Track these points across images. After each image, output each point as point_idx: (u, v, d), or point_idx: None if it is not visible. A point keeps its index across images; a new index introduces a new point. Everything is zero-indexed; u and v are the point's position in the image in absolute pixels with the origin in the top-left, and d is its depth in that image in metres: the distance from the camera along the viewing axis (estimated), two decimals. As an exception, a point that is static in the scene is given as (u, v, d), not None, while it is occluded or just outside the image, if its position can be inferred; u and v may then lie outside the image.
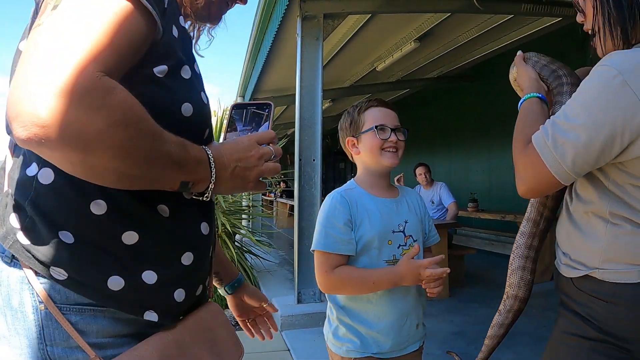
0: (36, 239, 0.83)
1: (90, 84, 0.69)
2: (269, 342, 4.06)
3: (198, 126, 0.96)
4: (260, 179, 0.99)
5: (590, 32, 1.27)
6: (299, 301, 4.65)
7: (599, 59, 1.17)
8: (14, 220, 0.85)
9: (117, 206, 0.86)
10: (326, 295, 1.70)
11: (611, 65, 1.09)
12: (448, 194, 6.18)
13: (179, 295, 0.95)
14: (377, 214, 1.61)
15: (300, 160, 4.70)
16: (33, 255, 0.83)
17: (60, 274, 0.83)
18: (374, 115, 1.66)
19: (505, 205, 8.11)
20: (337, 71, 8.23)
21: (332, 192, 1.68)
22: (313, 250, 1.61)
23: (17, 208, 0.86)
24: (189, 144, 0.85)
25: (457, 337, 4.03)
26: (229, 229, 5.61)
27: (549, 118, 1.20)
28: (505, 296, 1.51)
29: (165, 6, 0.88)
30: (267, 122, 1.03)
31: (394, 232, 1.62)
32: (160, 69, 0.87)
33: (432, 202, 6.25)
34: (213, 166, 0.89)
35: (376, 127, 1.63)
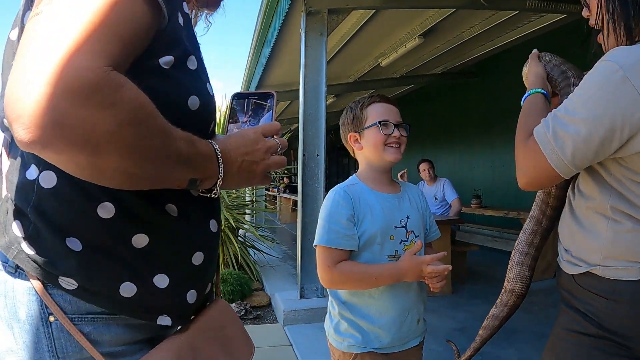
0: (42, 248, 0.79)
1: (98, 80, 0.63)
2: (271, 337, 4.07)
3: (204, 120, 0.91)
4: (266, 172, 0.95)
5: (595, 27, 1.27)
6: (301, 296, 4.66)
7: (603, 55, 1.18)
8: (16, 228, 0.80)
9: (125, 208, 0.81)
10: (328, 290, 1.71)
11: (612, 60, 1.09)
12: (451, 190, 6.17)
13: (191, 296, 0.92)
14: (379, 210, 1.62)
15: (303, 155, 4.70)
16: (39, 266, 0.79)
17: (69, 283, 0.79)
18: (377, 111, 1.67)
19: (508, 202, 8.10)
20: (341, 66, 8.21)
21: (335, 187, 1.69)
22: (315, 246, 1.62)
23: (19, 214, 0.81)
24: (196, 139, 0.80)
25: (459, 333, 4.03)
26: (233, 224, 5.63)
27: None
28: (503, 290, 1.54)
29: None
30: (271, 113, 0.99)
31: (396, 227, 1.63)
32: (165, 60, 0.82)
33: (436, 198, 6.25)
34: (221, 162, 0.85)
35: (379, 122, 1.63)
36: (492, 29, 6.43)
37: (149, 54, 0.78)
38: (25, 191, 0.81)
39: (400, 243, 1.63)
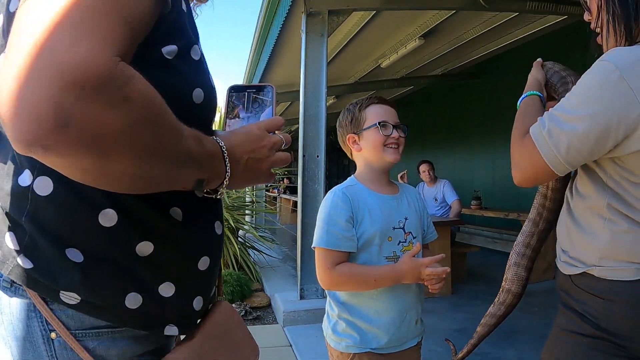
0: (40, 261, 0.72)
1: (108, 72, 0.56)
2: (271, 338, 4.07)
3: (207, 114, 0.86)
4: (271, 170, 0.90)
5: (596, 30, 1.28)
6: (301, 297, 4.66)
7: None
8: (10, 240, 0.73)
9: (128, 214, 0.75)
10: (326, 291, 1.71)
11: (610, 60, 1.10)
12: (451, 191, 6.17)
13: (198, 303, 0.88)
14: (378, 210, 1.62)
15: (304, 156, 4.70)
16: (38, 280, 0.72)
17: (71, 298, 0.73)
18: (375, 112, 1.67)
19: (508, 203, 8.10)
20: (341, 68, 8.22)
21: (333, 188, 1.69)
22: (314, 247, 1.62)
23: (13, 225, 0.74)
24: (203, 136, 0.74)
25: (458, 334, 4.03)
26: (233, 225, 5.64)
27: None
28: (501, 289, 1.58)
29: None
30: (271, 107, 0.93)
31: (394, 228, 1.63)
32: (169, 50, 0.75)
33: (436, 200, 6.25)
34: (227, 160, 0.79)
35: (379, 123, 1.64)
36: (492, 30, 6.44)
37: (151, 43, 0.71)
38: (19, 199, 0.74)
39: (399, 244, 1.63)
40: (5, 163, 0.76)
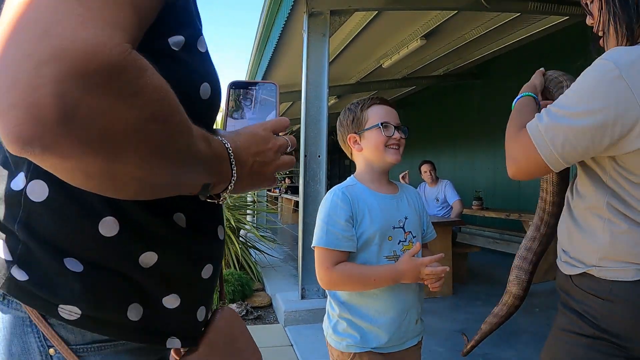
0: (36, 272, 0.66)
1: (120, 60, 0.49)
2: (272, 338, 4.07)
3: (213, 112, 0.80)
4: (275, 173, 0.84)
5: (599, 33, 1.29)
6: (302, 297, 4.67)
7: None
8: (2, 250, 0.66)
9: (130, 222, 0.69)
10: (327, 291, 1.71)
11: (609, 59, 1.11)
12: (453, 191, 6.17)
13: (201, 313, 0.83)
14: (378, 210, 1.63)
15: (305, 156, 4.71)
16: (35, 294, 0.65)
17: (71, 313, 0.66)
18: (378, 113, 1.68)
19: (510, 204, 8.11)
20: (343, 68, 8.22)
21: (333, 188, 1.69)
22: (314, 247, 1.63)
23: (5, 233, 0.67)
24: (210, 137, 0.68)
25: (459, 335, 4.03)
26: (234, 224, 5.64)
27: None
28: (505, 290, 1.63)
29: None
30: (275, 106, 0.87)
31: (394, 228, 1.64)
32: (175, 40, 0.69)
33: (437, 200, 6.25)
34: (234, 163, 0.72)
35: (381, 124, 1.64)
36: (494, 30, 6.44)
37: (157, 33, 0.64)
38: (11, 204, 0.67)
39: (399, 243, 1.64)
40: None
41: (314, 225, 1.65)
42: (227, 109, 0.86)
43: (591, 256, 1.21)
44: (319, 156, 4.75)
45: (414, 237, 1.68)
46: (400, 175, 5.48)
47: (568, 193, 1.35)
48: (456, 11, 5.67)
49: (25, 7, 0.48)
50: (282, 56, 7.07)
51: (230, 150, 0.72)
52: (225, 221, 0.94)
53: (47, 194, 0.66)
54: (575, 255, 1.26)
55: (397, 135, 1.65)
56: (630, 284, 1.14)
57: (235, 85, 0.88)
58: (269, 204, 11.23)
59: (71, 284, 0.66)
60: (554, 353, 1.31)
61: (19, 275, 0.65)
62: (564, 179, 1.47)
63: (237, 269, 5.46)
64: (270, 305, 5.09)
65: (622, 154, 1.13)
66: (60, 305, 0.66)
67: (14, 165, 0.68)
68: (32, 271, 0.66)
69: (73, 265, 0.66)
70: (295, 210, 10.56)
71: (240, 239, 6.06)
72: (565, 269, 1.29)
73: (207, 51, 0.78)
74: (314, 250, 1.63)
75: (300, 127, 4.79)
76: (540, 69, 1.57)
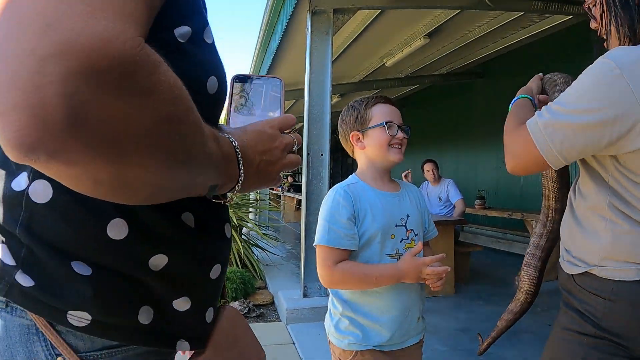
0: (42, 277, 0.62)
1: (133, 56, 0.44)
2: (274, 336, 4.07)
3: (218, 107, 0.76)
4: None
5: (602, 36, 1.30)
6: (304, 295, 4.68)
7: None
8: (4, 254, 0.62)
9: (139, 224, 0.66)
10: (329, 289, 1.72)
11: (611, 58, 1.11)
12: (455, 190, 6.17)
13: (209, 315, 0.81)
14: (380, 208, 1.63)
15: (308, 154, 4.71)
16: (41, 301, 0.61)
17: (80, 319, 0.62)
18: (382, 112, 1.68)
19: (512, 203, 8.09)
20: (346, 66, 8.22)
21: (335, 186, 1.69)
22: (316, 245, 1.63)
23: (6, 236, 0.63)
24: (219, 136, 0.65)
25: (461, 334, 4.03)
26: (236, 222, 5.66)
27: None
28: (518, 287, 1.66)
29: None
30: (280, 102, 0.84)
31: (396, 226, 1.64)
32: (182, 32, 0.65)
33: (440, 199, 6.25)
34: (241, 163, 0.69)
35: (386, 123, 1.64)
36: (497, 29, 6.43)
37: (163, 24, 0.60)
38: (10, 206, 0.63)
39: (401, 241, 1.64)
40: None
41: (317, 223, 1.65)
42: (231, 103, 0.82)
43: (593, 256, 1.21)
44: (322, 154, 4.75)
45: (416, 235, 1.68)
46: (403, 174, 5.49)
47: (570, 193, 1.35)
48: (460, 10, 5.66)
49: None
50: (285, 54, 7.07)
51: (238, 149, 0.69)
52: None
53: (51, 195, 0.62)
54: (577, 254, 1.26)
55: (400, 134, 1.66)
56: (632, 284, 1.14)
57: (239, 79, 0.83)
58: (271, 202, 11.24)
59: (80, 288, 0.62)
60: (555, 352, 1.31)
61: (24, 281, 0.61)
62: (563, 175, 1.49)
63: (240, 266, 5.48)
64: (273, 303, 5.10)
65: (623, 153, 1.13)
66: (70, 312, 0.62)
67: (14, 164, 0.63)
68: (38, 276, 0.61)
69: (81, 268, 0.62)
70: (298, 209, 10.57)
71: (243, 236, 6.07)
72: (568, 268, 1.30)
73: (213, 42, 0.73)
74: (316, 249, 1.63)
75: (303, 126, 4.79)
76: (539, 74, 1.59)
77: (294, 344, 3.93)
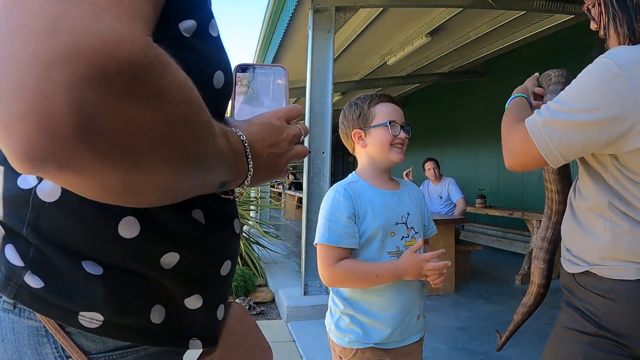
0: (52, 278, 0.59)
1: (142, 58, 0.42)
2: (274, 333, 4.07)
3: (225, 102, 0.74)
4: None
5: (603, 37, 1.30)
6: (305, 293, 4.68)
7: None
8: (12, 255, 0.60)
9: (151, 221, 0.64)
10: (330, 287, 1.72)
11: (610, 57, 1.11)
12: (456, 189, 6.18)
13: (220, 312, 0.79)
14: (380, 206, 1.63)
15: (309, 152, 4.71)
16: (51, 303, 0.59)
17: (92, 320, 0.60)
18: (386, 111, 1.67)
19: (513, 202, 8.09)
20: (347, 64, 8.22)
21: (335, 185, 1.69)
22: (316, 244, 1.63)
23: (12, 236, 0.60)
24: (228, 131, 0.63)
25: (462, 333, 4.04)
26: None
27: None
28: (530, 281, 1.69)
29: None
30: (284, 92, 0.82)
31: (397, 224, 1.64)
32: (187, 26, 0.62)
33: (441, 198, 6.26)
34: (250, 158, 0.67)
35: (389, 122, 1.64)
36: (499, 28, 6.43)
37: (167, 18, 0.57)
38: (16, 204, 0.60)
39: (402, 239, 1.64)
40: None
41: (317, 221, 1.65)
42: (235, 94, 0.79)
43: (593, 255, 1.21)
44: (323, 152, 4.75)
45: (416, 232, 1.68)
46: (404, 173, 5.49)
47: (570, 193, 1.36)
48: (461, 9, 5.66)
49: None
50: (287, 52, 7.07)
51: (246, 143, 0.67)
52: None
53: (59, 194, 0.60)
54: (578, 253, 1.27)
55: (402, 135, 1.65)
56: (632, 283, 1.14)
57: (242, 69, 0.81)
58: (272, 200, 11.24)
59: (92, 288, 0.60)
60: (556, 351, 1.32)
61: (34, 282, 0.59)
62: (564, 166, 1.50)
63: (240, 264, 5.48)
64: (273, 301, 5.11)
65: (622, 152, 1.13)
66: (81, 313, 0.60)
67: None
68: (48, 277, 0.59)
69: (92, 268, 0.60)
70: (299, 207, 10.58)
71: (244, 234, 6.07)
72: (569, 267, 1.30)
73: (218, 35, 0.70)
74: (316, 247, 1.63)
75: (304, 124, 4.79)
76: (535, 73, 1.60)
77: (294, 341, 3.94)
